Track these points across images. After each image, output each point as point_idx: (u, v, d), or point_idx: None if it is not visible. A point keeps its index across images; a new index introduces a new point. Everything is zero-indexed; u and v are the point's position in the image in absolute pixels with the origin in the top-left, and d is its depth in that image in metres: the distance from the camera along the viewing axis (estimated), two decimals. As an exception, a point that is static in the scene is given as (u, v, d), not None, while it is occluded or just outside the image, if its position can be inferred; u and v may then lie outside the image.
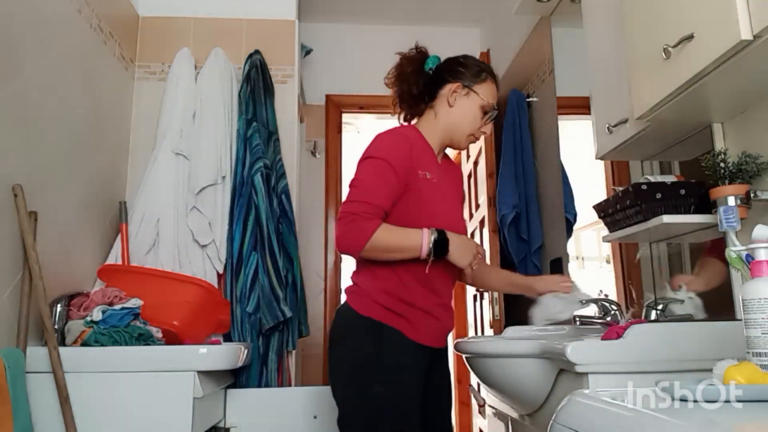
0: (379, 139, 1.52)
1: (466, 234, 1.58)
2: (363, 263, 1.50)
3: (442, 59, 1.63)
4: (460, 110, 1.56)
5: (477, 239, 3.18)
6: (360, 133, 4.46)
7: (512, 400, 1.59)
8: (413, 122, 1.64)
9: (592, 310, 1.66)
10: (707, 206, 1.36)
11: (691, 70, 1.17)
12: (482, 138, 2.91)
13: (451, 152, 1.85)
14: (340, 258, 3.42)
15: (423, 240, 1.39)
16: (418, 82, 1.59)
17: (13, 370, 1.34)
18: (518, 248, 2.64)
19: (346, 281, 3.41)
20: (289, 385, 2.18)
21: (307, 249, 3.03)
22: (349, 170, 4.11)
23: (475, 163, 3.11)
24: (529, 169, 2.67)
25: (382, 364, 1.41)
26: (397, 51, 1.62)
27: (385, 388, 1.39)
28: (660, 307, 1.54)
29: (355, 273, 1.55)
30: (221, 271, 2.11)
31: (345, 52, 3.54)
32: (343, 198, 3.61)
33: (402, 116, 1.65)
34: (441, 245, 1.40)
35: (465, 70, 1.58)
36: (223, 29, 2.45)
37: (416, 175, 1.49)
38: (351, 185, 1.46)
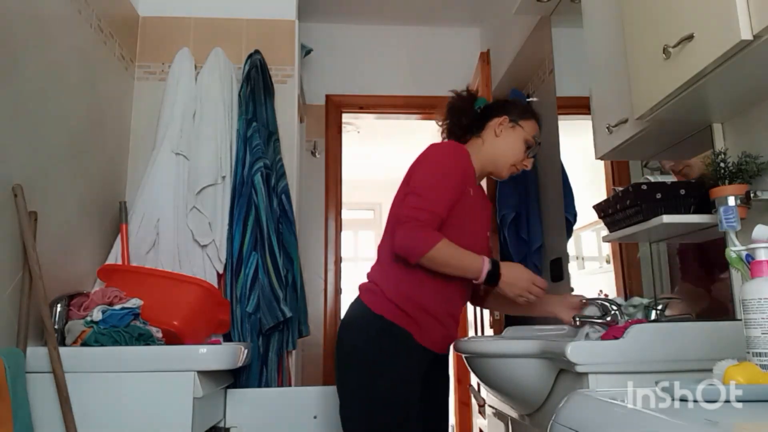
0: (441, 148, 1.64)
1: (487, 252, 1.66)
2: (386, 262, 1.59)
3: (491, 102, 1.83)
4: (505, 141, 1.69)
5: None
6: (360, 133, 4.46)
7: (512, 400, 1.59)
8: None
9: (592, 311, 1.66)
10: (707, 206, 1.36)
11: (691, 70, 1.17)
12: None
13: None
14: (340, 258, 3.42)
15: (483, 268, 1.51)
16: (468, 114, 1.74)
17: (13, 370, 1.34)
18: (518, 248, 2.64)
19: (346, 281, 3.43)
20: (290, 385, 2.18)
21: (307, 249, 3.03)
22: (349, 170, 4.12)
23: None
24: (529, 169, 2.67)
25: (389, 362, 1.50)
26: (451, 89, 1.79)
27: (390, 384, 1.47)
28: (660, 307, 1.54)
29: (373, 271, 1.63)
30: (221, 271, 2.11)
31: (345, 52, 3.54)
32: (344, 198, 3.61)
33: (447, 137, 1.79)
34: (493, 277, 1.52)
35: (512, 107, 1.73)
36: (223, 29, 2.45)
37: (468, 191, 1.62)
38: (413, 191, 1.55)
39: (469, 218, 1.62)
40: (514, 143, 1.69)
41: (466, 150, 1.66)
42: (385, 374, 1.49)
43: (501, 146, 1.69)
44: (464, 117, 1.74)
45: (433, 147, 1.63)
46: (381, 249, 1.63)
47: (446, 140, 1.76)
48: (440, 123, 1.79)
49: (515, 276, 1.54)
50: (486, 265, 1.51)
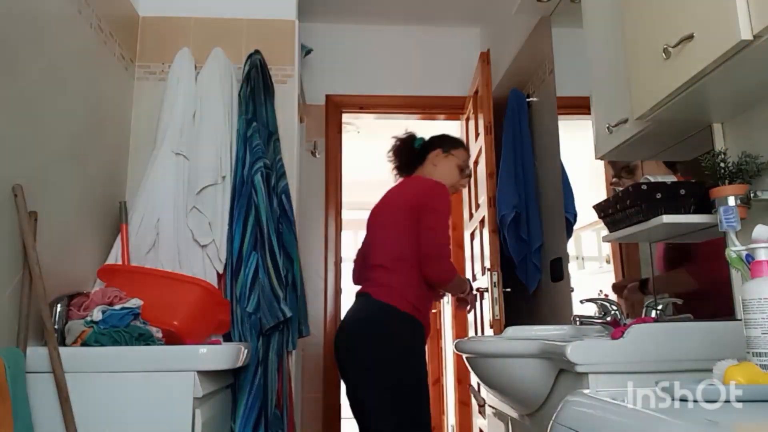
0: (443, 192, 2.11)
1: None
2: (400, 269, 2.03)
3: (426, 138, 2.33)
4: (441, 168, 2.22)
5: (477, 239, 3.19)
6: (360, 133, 4.46)
7: (512, 400, 1.59)
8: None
9: (591, 310, 1.66)
10: (707, 206, 1.36)
11: (691, 70, 1.17)
12: (483, 138, 2.95)
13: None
14: (341, 258, 3.42)
15: (467, 287, 2.26)
16: (408, 155, 2.29)
17: (13, 370, 1.34)
18: (518, 248, 2.64)
19: (346, 281, 3.43)
20: (290, 385, 2.18)
21: (307, 249, 3.03)
22: (349, 170, 4.11)
23: (475, 163, 3.11)
24: (529, 169, 2.67)
25: (415, 349, 2.02)
26: (393, 135, 2.35)
27: (417, 364, 2.00)
28: (660, 306, 1.54)
29: (387, 274, 2.04)
30: (221, 271, 2.10)
31: (345, 52, 3.55)
32: (344, 198, 3.72)
33: (398, 174, 2.33)
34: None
35: (444, 141, 2.26)
36: (223, 29, 2.45)
37: None
38: (434, 228, 2.03)
39: None
40: (449, 169, 2.21)
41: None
42: (416, 354, 2.01)
43: (439, 173, 2.20)
44: (409, 155, 2.28)
45: (436, 190, 2.09)
46: (393, 260, 2.05)
47: (427, 179, 2.21)
48: (390, 161, 2.33)
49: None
50: (470, 282, 2.33)
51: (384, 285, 2.02)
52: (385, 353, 1.95)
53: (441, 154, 2.22)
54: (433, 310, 4.54)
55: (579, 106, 1.96)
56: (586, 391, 0.92)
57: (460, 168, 2.23)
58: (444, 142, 2.25)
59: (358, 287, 2.18)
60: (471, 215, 3.33)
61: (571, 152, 2.35)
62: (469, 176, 2.30)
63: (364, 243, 2.30)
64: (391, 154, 2.32)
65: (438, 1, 3.38)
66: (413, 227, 2.02)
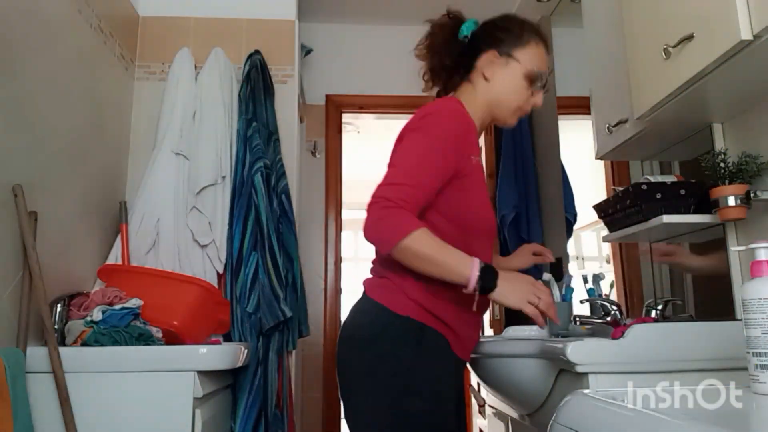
0: (432, 110, 1.27)
1: (494, 233, 1.37)
2: None
3: (480, 22, 1.42)
4: (500, 83, 1.33)
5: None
6: (360, 133, 4.46)
7: (512, 400, 1.59)
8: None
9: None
10: (707, 206, 1.36)
11: (691, 70, 1.17)
12: (483, 138, 2.93)
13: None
14: (340, 258, 3.42)
15: (472, 273, 1.14)
16: (450, 53, 1.37)
17: (13, 370, 1.34)
18: (518, 248, 2.64)
19: (346, 281, 3.43)
20: (290, 385, 2.18)
21: (307, 249, 3.03)
22: (349, 170, 4.10)
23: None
24: (529, 169, 2.67)
25: (422, 375, 1.19)
26: (427, 19, 1.43)
27: (425, 403, 1.18)
28: (660, 306, 1.54)
29: (382, 264, 1.30)
30: (221, 271, 2.11)
31: (345, 52, 3.54)
32: (344, 198, 3.54)
33: (436, 92, 1.43)
34: (487, 286, 1.16)
35: (503, 34, 1.35)
36: (223, 29, 2.45)
37: (469, 159, 1.27)
38: (390, 164, 1.24)
39: (479, 192, 1.29)
40: (511, 83, 1.33)
41: (460, 105, 1.31)
42: (422, 391, 1.18)
43: (496, 91, 1.34)
44: (447, 57, 1.38)
45: (424, 108, 1.29)
46: None
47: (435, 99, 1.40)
48: (422, 70, 1.43)
49: (513, 278, 1.20)
50: (475, 268, 1.14)
51: (378, 275, 1.31)
52: (365, 394, 1.22)
53: (497, 59, 1.33)
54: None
55: (579, 106, 1.96)
56: (586, 391, 0.91)
57: (530, 78, 1.33)
58: (502, 39, 1.35)
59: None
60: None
61: (571, 152, 2.35)
62: (547, 90, 1.37)
63: None
64: (422, 48, 1.41)
65: (438, 2, 3.37)
66: None
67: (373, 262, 1.34)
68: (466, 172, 1.25)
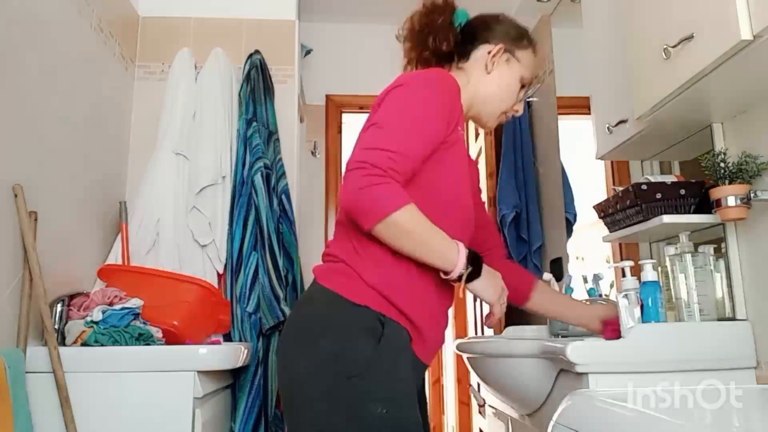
0: (421, 72, 1.18)
1: (472, 222, 1.23)
2: (355, 233, 1.08)
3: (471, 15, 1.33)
4: (499, 77, 1.25)
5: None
6: (360, 133, 4.45)
7: (512, 400, 1.59)
8: None
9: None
10: (707, 206, 1.36)
11: (691, 70, 1.17)
12: (483, 138, 2.94)
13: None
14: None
15: (459, 258, 1.04)
16: (447, 38, 1.26)
17: (13, 370, 1.34)
18: (518, 248, 2.64)
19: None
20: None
21: (307, 249, 3.03)
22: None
23: (476, 163, 3.11)
24: (529, 169, 2.67)
25: (381, 373, 1.01)
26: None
27: (385, 406, 0.99)
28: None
29: (337, 243, 1.13)
30: (221, 271, 2.11)
31: (345, 52, 3.54)
32: None
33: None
34: (474, 274, 1.07)
35: (505, 30, 1.29)
36: (223, 29, 2.45)
37: (457, 130, 1.16)
38: (376, 123, 1.06)
39: (461, 171, 1.17)
40: (508, 81, 1.26)
41: (454, 79, 1.20)
42: (379, 390, 1.00)
43: (492, 87, 1.25)
44: (446, 41, 1.26)
45: (408, 73, 1.20)
46: (344, 220, 1.12)
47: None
48: (404, 50, 1.32)
49: (492, 272, 1.11)
50: (462, 254, 1.04)
51: (331, 259, 1.13)
52: (315, 381, 1.02)
53: (501, 54, 1.26)
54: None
55: (579, 106, 1.96)
56: (586, 391, 0.92)
57: (524, 82, 1.28)
58: (507, 34, 1.29)
59: None
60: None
61: (571, 152, 2.35)
62: (529, 96, 1.33)
63: None
64: (407, 30, 1.31)
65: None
66: None
67: (332, 243, 1.15)
68: (452, 142, 1.13)
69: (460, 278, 1.06)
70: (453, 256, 1.05)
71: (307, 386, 1.02)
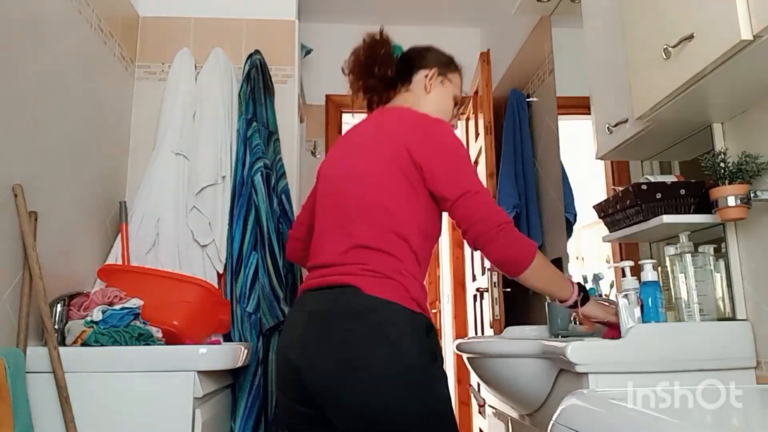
0: (448, 129, 1.38)
1: None
2: (399, 258, 1.27)
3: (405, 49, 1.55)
4: (437, 97, 1.48)
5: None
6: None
7: (512, 400, 1.59)
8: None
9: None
10: (707, 206, 1.36)
11: (691, 70, 1.17)
12: (483, 138, 2.94)
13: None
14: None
15: (574, 290, 1.34)
16: (392, 66, 1.47)
17: (13, 370, 1.34)
18: (518, 248, 2.64)
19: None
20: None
21: (307, 249, 3.03)
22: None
23: (476, 163, 3.11)
24: (529, 169, 2.67)
25: (439, 365, 1.27)
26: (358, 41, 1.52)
27: (444, 385, 1.26)
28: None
29: (377, 261, 1.27)
30: (221, 271, 2.11)
31: (345, 52, 3.51)
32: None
33: (367, 104, 1.54)
34: (585, 300, 1.36)
35: (440, 58, 1.53)
36: (223, 29, 2.45)
37: None
38: (472, 190, 1.28)
39: (437, 212, 1.38)
40: (444, 99, 1.49)
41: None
42: (442, 380, 1.26)
43: (433, 103, 1.47)
44: (390, 69, 1.46)
45: (439, 127, 1.35)
46: (386, 236, 1.28)
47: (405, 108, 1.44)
48: (351, 82, 1.52)
49: (595, 298, 1.41)
50: (574, 284, 1.36)
51: (374, 269, 1.25)
52: (405, 391, 1.19)
53: (436, 77, 1.48)
54: (434, 311, 4.51)
55: (579, 106, 1.96)
56: (586, 391, 0.92)
57: (456, 101, 1.52)
58: (438, 60, 1.51)
59: (308, 276, 1.39)
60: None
61: (571, 152, 2.35)
62: (462, 113, 1.58)
63: (309, 208, 1.56)
64: (352, 63, 1.51)
65: (438, 2, 3.37)
66: (412, 187, 1.29)
67: (364, 264, 1.27)
68: None
69: (574, 304, 1.34)
70: (569, 288, 1.35)
71: (403, 377, 1.19)
